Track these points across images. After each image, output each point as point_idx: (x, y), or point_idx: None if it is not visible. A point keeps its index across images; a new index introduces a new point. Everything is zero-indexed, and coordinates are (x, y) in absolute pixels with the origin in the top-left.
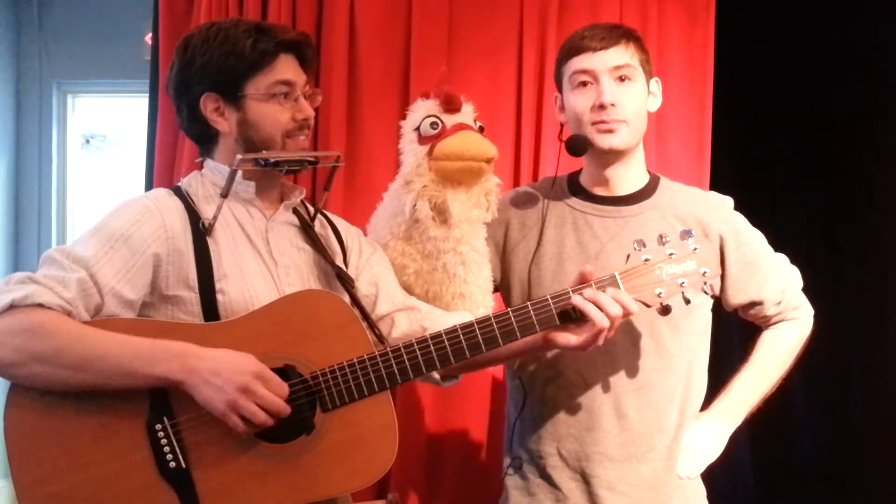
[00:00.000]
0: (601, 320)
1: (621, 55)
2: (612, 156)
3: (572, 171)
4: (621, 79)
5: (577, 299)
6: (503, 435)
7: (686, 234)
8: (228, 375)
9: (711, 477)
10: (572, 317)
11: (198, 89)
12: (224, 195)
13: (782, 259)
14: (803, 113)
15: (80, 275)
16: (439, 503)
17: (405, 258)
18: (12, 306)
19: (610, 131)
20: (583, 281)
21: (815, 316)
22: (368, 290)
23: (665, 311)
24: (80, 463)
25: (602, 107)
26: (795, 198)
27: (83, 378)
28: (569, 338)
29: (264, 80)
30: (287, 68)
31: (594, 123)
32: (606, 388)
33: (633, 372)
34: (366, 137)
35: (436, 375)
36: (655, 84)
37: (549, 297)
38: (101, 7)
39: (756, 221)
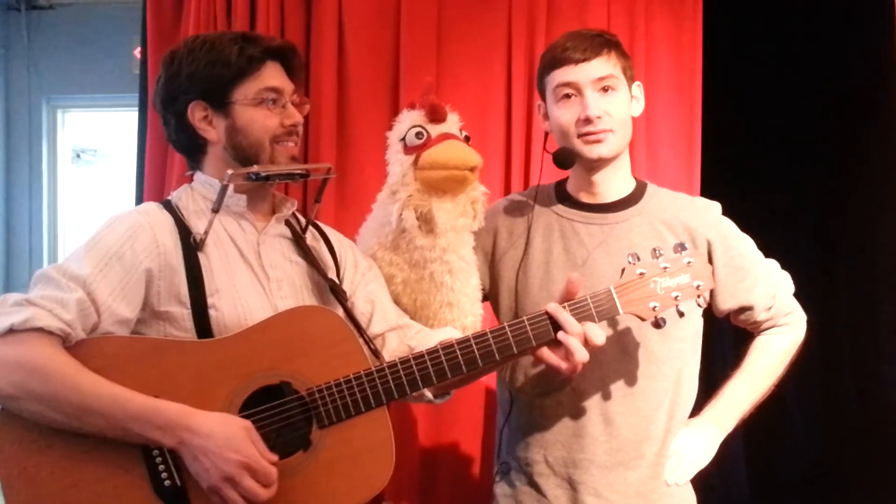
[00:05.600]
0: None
1: (604, 66)
2: (599, 163)
3: (560, 179)
4: (605, 90)
5: (561, 335)
6: (496, 441)
7: (679, 247)
8: (216, 461)
9: (705, 483)
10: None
11: (185, 99)
12: (215, 210)
13: (773, 264)
14: (794, 115)
15: (79, 294)
16: None
17: (393, 268)
18: (12, 330)
19: (598, 141)
20: (569, 293)
21: (807, 319)
22: (365, 308)
23: (659, 324)
24: (73, 482)
25: (588, 120)
26: (786, 201)
27: (78, 426)
28: (551, 357)
29: (252, 87)
30: (274, 75)
31: (581, 136)
32: (594, 395)
33: (620, 378)
34: (356, 147)
35: (428, 395)
36: (638, 88)
37: (545, 310)
38: (90, 22)
39: (747, 225)
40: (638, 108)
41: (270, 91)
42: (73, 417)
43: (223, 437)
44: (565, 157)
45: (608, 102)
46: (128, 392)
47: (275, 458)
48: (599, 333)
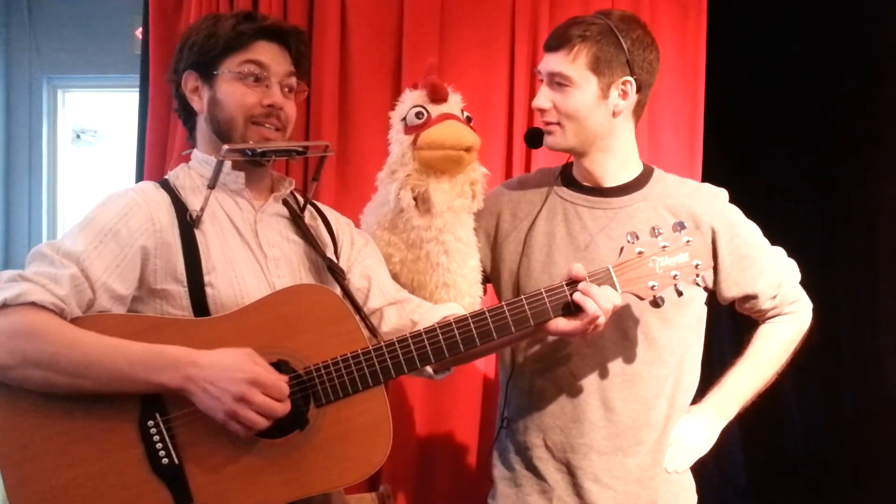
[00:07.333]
0: (595, 311)
1: (560, 62)
2: (569, 151)
3: (566, 163)
4: (559, 84)
5: (577, 295)
6: (494, 428)
7: (678, 226)
8: (225, 385)
9: (703, 471)
10: (570, 310)
11: (182, 67)
12: (211, 186)
13: (779, 252)
14: (796, 107)
15: (72, 270)
16: (430, 496)
17: (391, 248)
18: (5, 305)
19: (549, 132)
20: (572, 280)
21: None
22: (361, 284)
23: (657, 303)
24: (71, 460)
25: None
26: (788, 188)
27: (79, 384)
28: (558, 323)
29: (236, 59)
30: (263, 52)
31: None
32: (593, 380)
33: (620, 364)
34: (358, 130)
35: (429, 369)
36: (624, 84)
37: (542, 290)
38: (91, 1)
39: (749, 212)
40: (621, 104)
41: (253, 64)
42: (74, 375)
43: (227, 363)
44: (532, 137)
45: (558, 96)
46: (127, 341)
47: (284, 377)
48: (615, 296)
